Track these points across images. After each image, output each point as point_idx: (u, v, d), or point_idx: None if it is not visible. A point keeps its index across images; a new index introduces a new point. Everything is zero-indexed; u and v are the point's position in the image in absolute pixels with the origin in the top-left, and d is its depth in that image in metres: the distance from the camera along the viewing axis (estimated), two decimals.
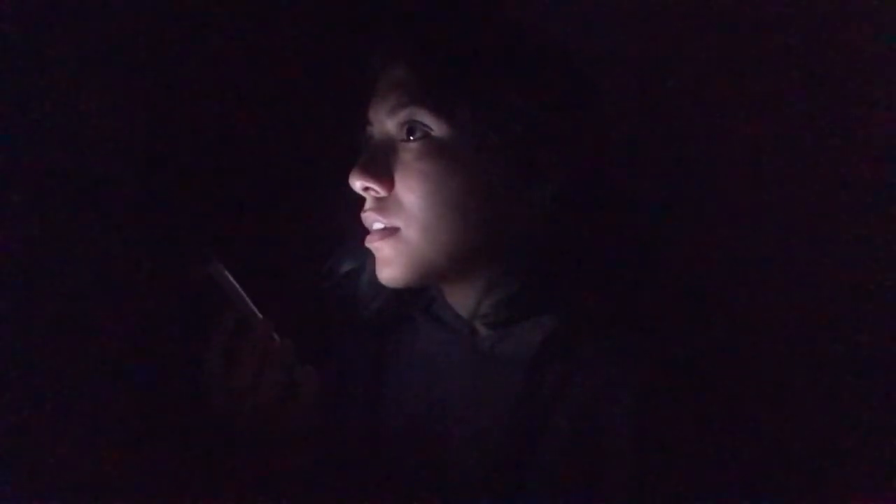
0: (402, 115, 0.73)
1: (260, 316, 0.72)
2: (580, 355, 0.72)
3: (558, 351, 0.73)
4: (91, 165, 0.78)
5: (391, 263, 0.73)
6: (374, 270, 0.76)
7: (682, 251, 0.84)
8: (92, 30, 0.78)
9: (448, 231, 0.72)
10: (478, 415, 0.75)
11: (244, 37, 0.91)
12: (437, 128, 0.72)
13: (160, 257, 0.83)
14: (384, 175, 0.73)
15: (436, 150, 0.72)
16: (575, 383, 0.72)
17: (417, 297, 0.81)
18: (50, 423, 0.72)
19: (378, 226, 0.74)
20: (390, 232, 0.73)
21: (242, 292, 0.72)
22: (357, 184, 0.73)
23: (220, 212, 0.88)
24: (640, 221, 0.77)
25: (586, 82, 0.77)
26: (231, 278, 0.72)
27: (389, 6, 0.82)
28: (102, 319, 0.77)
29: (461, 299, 0.77)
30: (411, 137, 0.72)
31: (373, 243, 0.74)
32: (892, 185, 0.80)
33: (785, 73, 0.84)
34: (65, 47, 0.76)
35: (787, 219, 0.84)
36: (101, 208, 0.79)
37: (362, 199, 0.75)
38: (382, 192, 0.73)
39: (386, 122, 0.74)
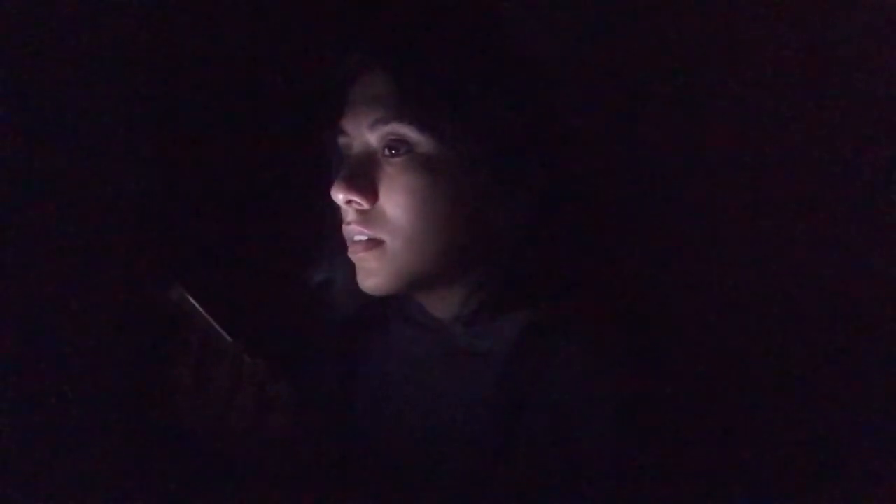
0: (385, 129, 0.72)
1: (228, 339, 0.71)
2: (556, 349, 0.74)
3: (534, 345, 0.74)
4: (51, 187, 0.77)
5: (376, 274, 0.74)
6: (349, 278, 0.77)
7: (658, 249, 0.88)
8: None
9: (433, 242, 0.73)
10: (456, 410, 0.75)
11: (206, 46, 0.89)
12: (421, 143, 0.72)
13: (121, 281, 0.81)
14: (368, 189, 0.73)
15: (420, 164, 0.72)
16: (551, 376, 0.73)
17: (390, 300, 0.81)
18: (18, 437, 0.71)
19: (361, 238, 0.74)
20: (375, 244, 0.73)
21: (208, 316, 0.71)
22: (340, 196, 0.73)
23: (181, 230, 0.88)
24: (613, 221, 0.80)
25: (561, 86, 0.78)
26: (195, 303, 0.70)
27: (361, 14, 0.81)
28: (66, 344, 0.77)
29: (437, 302, 0.78)
30: (394, 152, 0.72)
31: (356, 255, 0.74)
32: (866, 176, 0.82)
33: (767, 73, 0.86)
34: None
35: (761, 215, 0.86)
36: (65, 231, 0.77)
37: (324, 208, 0.76)
38: (366, 206, 0.73)
39: (366, 135, 0.74)
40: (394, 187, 0.72)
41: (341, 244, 0.78)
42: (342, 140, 0.76)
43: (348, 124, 0.75)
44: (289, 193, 0.82)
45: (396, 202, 0.72)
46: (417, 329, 0.80)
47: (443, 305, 0.78)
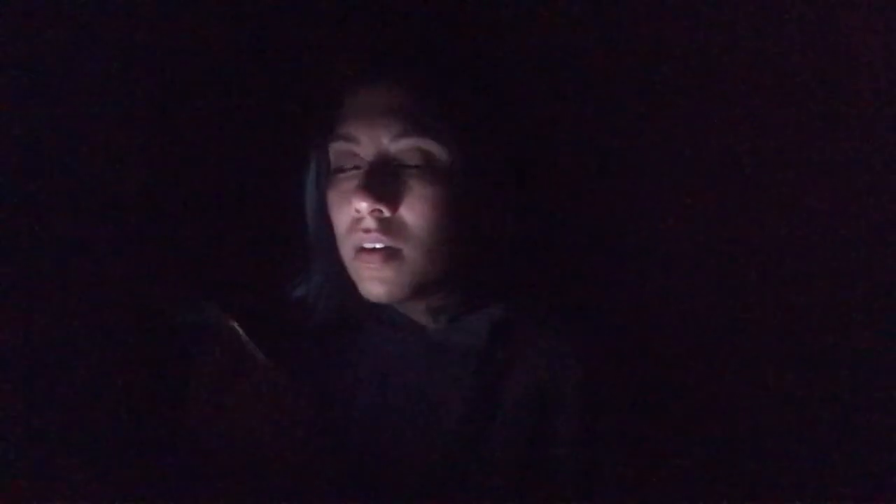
0: (409, 142, 0.73)
1: (262, 356, 0.71)
2: (527, 339, 0.77)
3: (506, 336, 0.77)
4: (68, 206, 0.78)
5: (389, 283, 0.74)
6: (332, 287, 0.79)
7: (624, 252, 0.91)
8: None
9: (445, 250, 0.74)
10: (436, 404, 0.77)
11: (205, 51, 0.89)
12: (445, 157, 0.73)
13: (143, 297, 0.82)
14: (390, 198, 0.73)
15: (440, 175, 0.73)
16: (523, 364, 0.76)
17: (365, 302, 0.80)
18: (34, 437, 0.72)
19: (377, 245, 0.73)
20: (393, 253, 0.73)
21: (244, 334, 0.71)
22: (364, 205, 0.72)
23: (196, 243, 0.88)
24: (584, 223, 0.84)
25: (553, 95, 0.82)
26: (233, 322, 0.71)
27: (385, 25, 0.82)
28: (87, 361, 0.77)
29: (414, 303, 0.78)
30: (416, 163, 0.73)
31: (371, 264, 0.74)
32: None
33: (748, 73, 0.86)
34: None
35: (724, 216, 0.88)
36: (92, 245, 0.79)
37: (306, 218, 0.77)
38: (387, 214, 0.73)
39: (383, 144, 0.74)
40: (414, 197, 0.73)
41: (324, 254, 0.79)
42: (342, 146, 0.76)
43: (361, 133, 0.74)
44: (266, 203, 0.83)
45: (418, 212, 0.73)
46: (391, 329, 0.80)
47: (417, 307, 0.79)
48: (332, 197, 0.76)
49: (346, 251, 0.76)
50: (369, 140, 0.74)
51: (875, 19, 0.82)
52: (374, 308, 0.80)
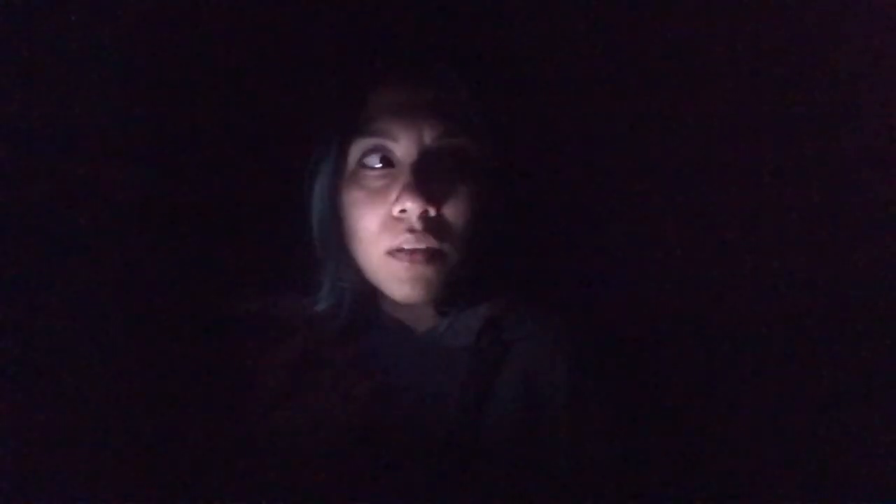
0: (452, 141, 0.74)
1: (329, 352, 0.75)
2: (517, 336, 0.78)
3: (496, 334, 0.77)
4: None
5: (426, 283, 0.74)
6: (342, 284, 0.78)
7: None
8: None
9: (477, 249, 0.75)
10: (431, 405, 0.77)
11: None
12: (483, 156, 0.75)
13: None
14: (438, 198, 0.73)
15: (480, 175, 0.75)
16: (514, 361, 0.77)
17: (360, 306, 0.81)
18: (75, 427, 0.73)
19: (420, 246, 0.73)
20: (437, 254, 0.73)
21: (318, 327, 0.76)
22: (410, 205, 0.72)
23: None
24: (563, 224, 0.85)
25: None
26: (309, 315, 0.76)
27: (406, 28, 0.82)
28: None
29: (426, 305, 0.78)
30: (459, 163, 0.74)
31: (414, 263, 0.73)
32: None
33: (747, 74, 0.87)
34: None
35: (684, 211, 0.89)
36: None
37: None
38: (434, 213, 0.73)
39: (425, 144, 0.73)
40: (457, 196, 0.74)
41: (333, 256, 0.78)
42: (373, 143, 0.75)
43: (400, 131, 0.74)
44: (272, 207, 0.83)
45: (461, 211, 0.74)
46: (384, 332, 0.80)
47: (429, 307, 0.79)
48: (358, 195, 0.75)
49: (375, 251, 0.75)
50: (410, 139, 0.73)
51: (875, 20, 0.82)
52: (368, 313, 0.80)
